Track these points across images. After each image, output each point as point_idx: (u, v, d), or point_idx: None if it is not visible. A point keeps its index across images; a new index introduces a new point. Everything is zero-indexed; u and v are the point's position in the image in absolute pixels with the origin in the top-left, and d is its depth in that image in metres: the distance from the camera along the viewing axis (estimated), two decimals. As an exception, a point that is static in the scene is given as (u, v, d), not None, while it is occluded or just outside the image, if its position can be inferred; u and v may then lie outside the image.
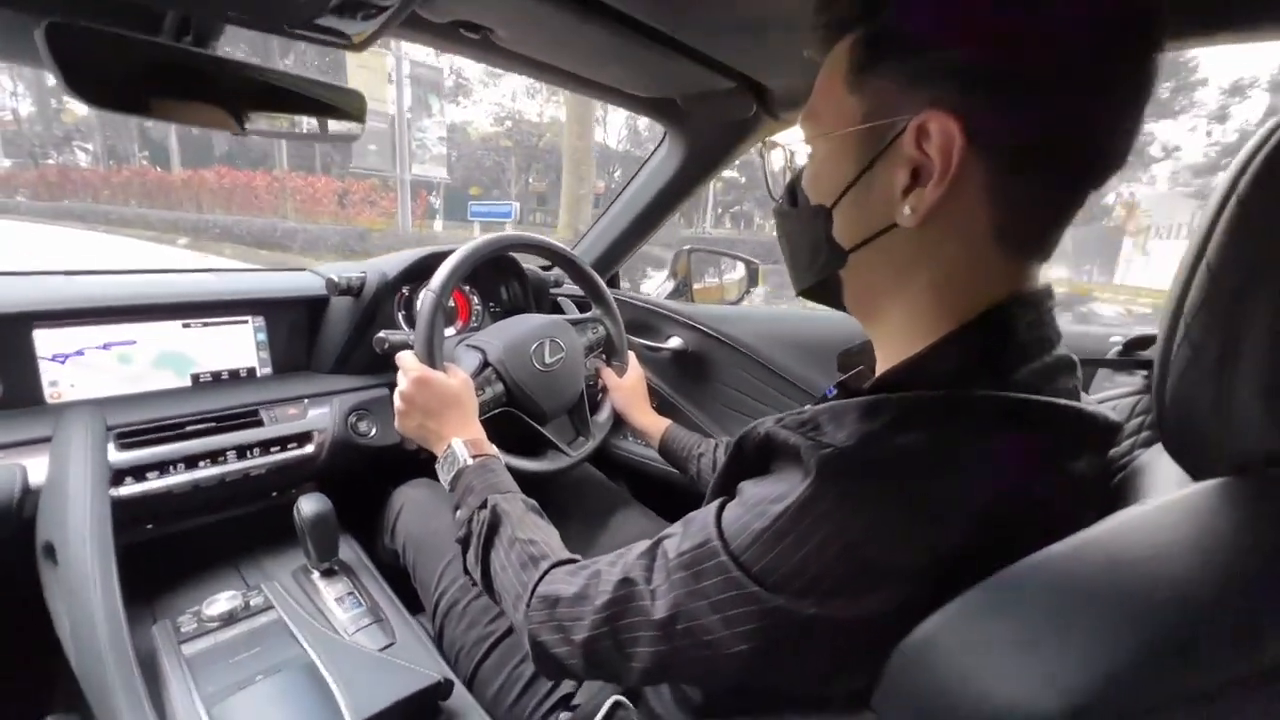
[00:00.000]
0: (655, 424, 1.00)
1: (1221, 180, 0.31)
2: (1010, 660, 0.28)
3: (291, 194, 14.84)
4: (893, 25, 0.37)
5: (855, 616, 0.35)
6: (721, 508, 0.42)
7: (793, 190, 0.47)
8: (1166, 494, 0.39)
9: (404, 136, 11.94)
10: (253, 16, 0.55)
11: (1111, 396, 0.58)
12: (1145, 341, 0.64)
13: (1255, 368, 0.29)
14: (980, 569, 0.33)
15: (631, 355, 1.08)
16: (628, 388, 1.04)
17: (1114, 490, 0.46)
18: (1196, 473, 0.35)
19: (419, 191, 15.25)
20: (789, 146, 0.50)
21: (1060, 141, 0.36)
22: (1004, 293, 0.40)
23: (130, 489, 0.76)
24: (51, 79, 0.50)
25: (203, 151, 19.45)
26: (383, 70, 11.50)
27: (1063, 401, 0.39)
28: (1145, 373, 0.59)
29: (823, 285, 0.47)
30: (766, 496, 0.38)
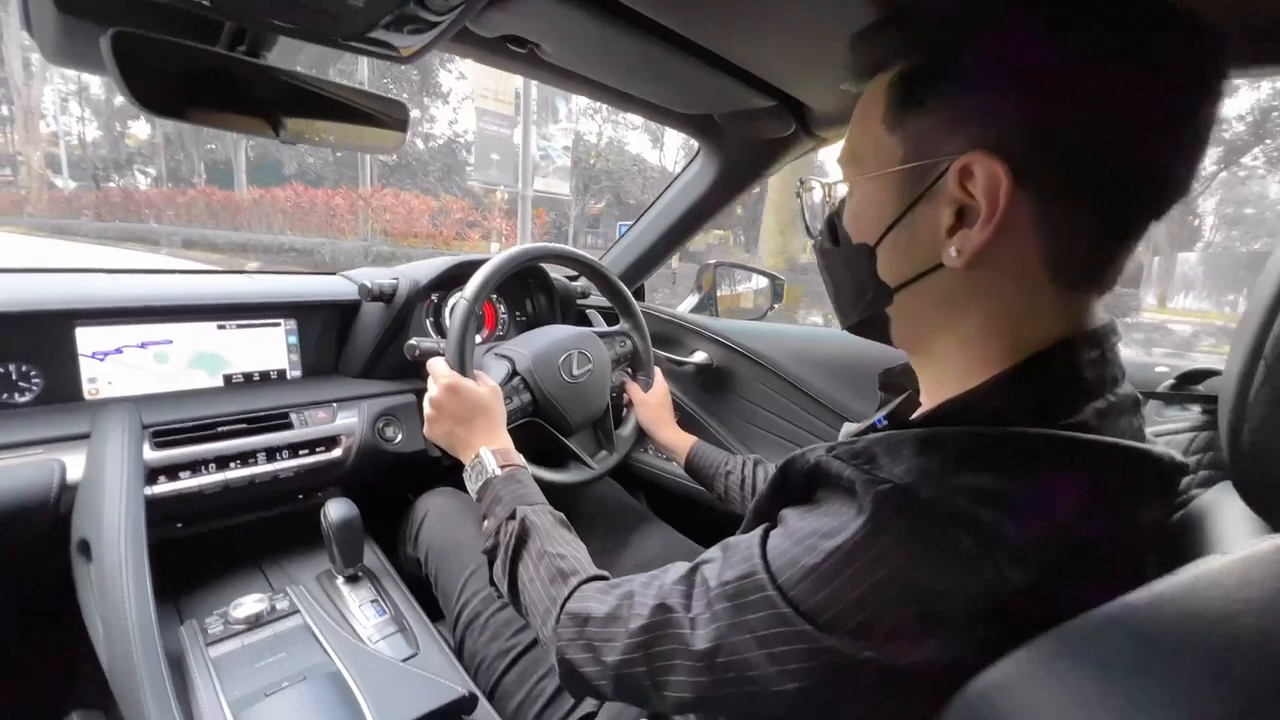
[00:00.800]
0: (681, 440, 0.99)
1: None
2: (1090, 713, 0.27)
3: (378, 212, 12.74)
4: (932, 64, 0.36)
5: (912, 661, 0.33)
6: (765, 535, 0.40)
7: (832, 226, 0.46)
8: (1237, 541, 0.38)
9: (529, 145, 10.11)
10: (308, 29, 0.56)
11: (1166, 431, 0.56)
12: (1199, 375, 0.62)
13: None
14: (1043, 615, 0.31)
15: (657, 371, 1.07)
16: (654, 404, 1.03)
17: (1171, 532, 0.44)
18: (1277, 523, 0.33)
19: (537, 211, 13.01)
20: (825, 182, 0.48)
21: (1115, 173, 0.34)
22: (1063, 329, 0.38)
23: (163, 488, 0.77)
24: (116, 100, 0.51)
25: (270, 170, 18.23)
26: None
27: (1128, 442, 0.37)
28: (1202, 408, 0.57)
29: (869, 322, 0.46)
30: (817, 530, 0.37)
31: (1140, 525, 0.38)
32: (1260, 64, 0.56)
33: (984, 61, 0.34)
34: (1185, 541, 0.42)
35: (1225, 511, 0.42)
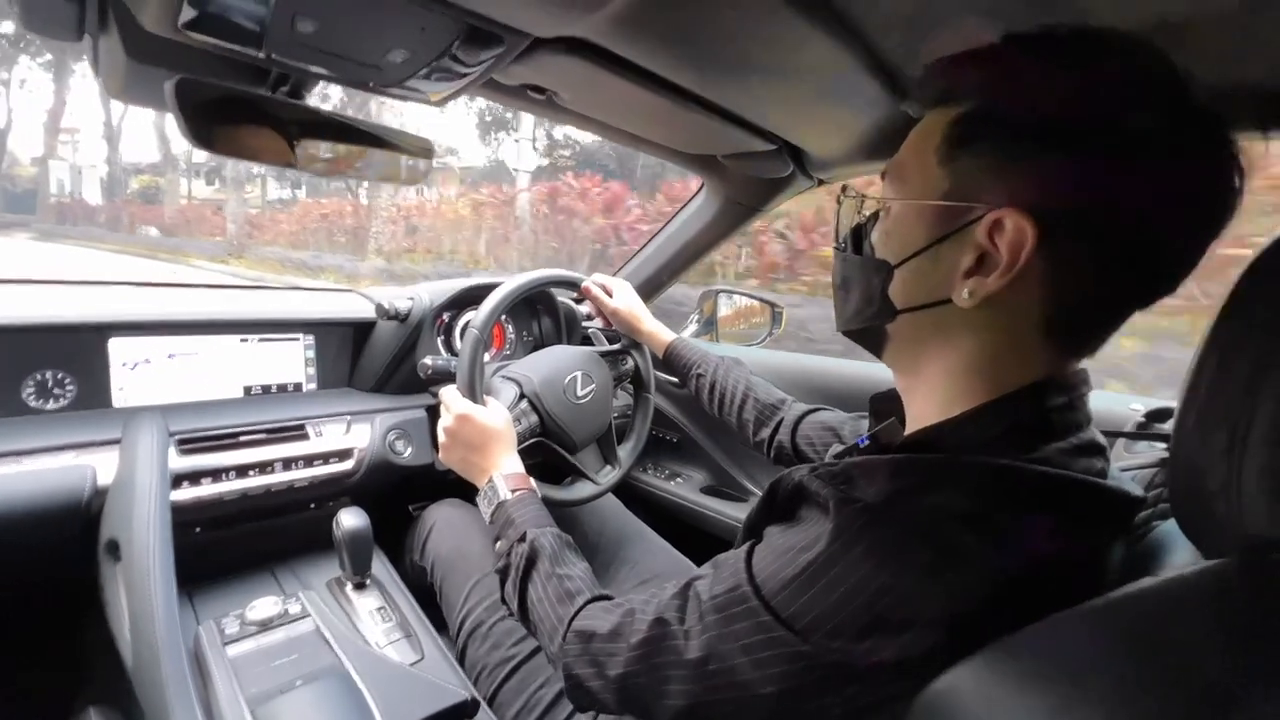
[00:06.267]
0: (662, 333, 1.03)
1: (1240, 271, 0.34)
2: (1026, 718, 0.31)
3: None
4: (995, 112, 0.39)
5: (879, 662, 0.37)
6: (750, 551, 0.44)
7: (857, 237, 0.49)
8: (1181, 568, 0.42)
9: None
10: (351, 78, 0.61)
11: (1130, 467, 0.60)
12: (1166, 413, 0.66)
13: (1263, 456, 0.32)
14: (998, 625, 0.35)
15: (619, 281, 1.06)
16: (624, 310, 1.03)
17: (1130, 559, 0.48)
18: (1205, 550, 0.37)
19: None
20: (867, 196, 0.51)
21: (1132, 255, 0.38)
22: (1041, 375, 0.42)
23: (186, 493, 0.81)
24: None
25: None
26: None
27: (1084, 476, 0.41)
28: (1165, 445, 0.62)
29: (866, 333, 0.49)
30: (795, 545, 0.41)
31: (1093, 551, 0.42)
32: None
33: (1041, 124, 0.37)
34: (1140, 570, 0.46)
35: (1178, 541, 0.46)
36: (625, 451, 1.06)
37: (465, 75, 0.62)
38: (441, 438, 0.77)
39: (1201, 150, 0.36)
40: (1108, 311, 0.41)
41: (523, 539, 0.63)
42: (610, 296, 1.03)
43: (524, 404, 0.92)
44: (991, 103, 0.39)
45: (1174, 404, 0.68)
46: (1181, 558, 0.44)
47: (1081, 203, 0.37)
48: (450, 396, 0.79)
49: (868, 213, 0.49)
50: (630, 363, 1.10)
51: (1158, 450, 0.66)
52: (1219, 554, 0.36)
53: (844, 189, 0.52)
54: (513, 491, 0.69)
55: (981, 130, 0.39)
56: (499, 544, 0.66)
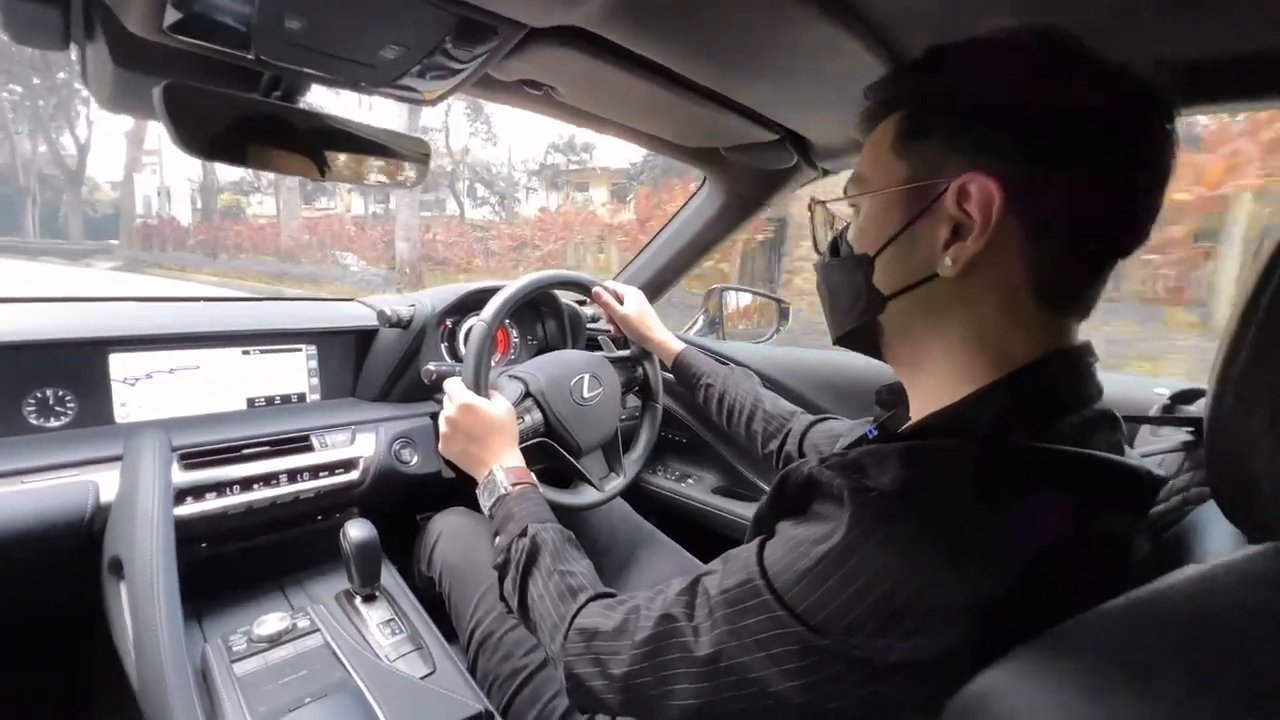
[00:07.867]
0: (671, 343, 1.01)
1: (1276, 236, 0.32)
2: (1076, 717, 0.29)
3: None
4: (938, 104, 0.42)
5: (899, 661, 0.35)
6: (762, 545, 0.43)
7: (835, 246, 0.51)
8: (1222, 554, 0.40)
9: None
10: (343, 78, 0.60)
11: (1158, 451, 0.58)
12: (1192, 395, 0.64)
13: None
14: (1025, 618, 0.33)
15: (630, 288, 1.04)
16: (634, 316, 1.01)
17: (1165, 546, 0.46)
18: (1251, 534, 0.35)
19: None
20: (834, 201, 0.52)
21: (1083, 210, 0.39)
22: (1042, 348, 0.42)
23: (190, 509, 0.80)
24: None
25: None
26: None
27: (1104, 455, 0.39)
28: (1193, 429, 0.59)
29: (860, 332, 0.49)
30: (809, 537, 0.40)
31: (1117, 532, 0.40)
32: (1196, 101, 0.62)
33: (984, 106, 0.39)
34: (1176, 557, 0.44)
35: (1214, 527, 0.44)
36: (631, 460, 1.04)
37: (460, 71, 0.61)
38: (443, 428, 0.76)
39: (1129, 116, 0.38)
40: (1085, 266, 0.42)
41: (523, 533, 0.61)
42: (621, 303, 1.01)
43: (529, 401, 0.90)
44: (932, 100, 0.42)
45: (1199, 385, 0.66)
46: (1219, 544, 0.42)
47: (1034, 177, 0.39)
48: (454, 387, 0.78)
49: (840, 227, 0.51)
50: (639, 370, 1.09)
51: (1184, 434, 0.63)
52: (1265, 537, 0.34)
53: (811, 198, 0.55)
54: (513, 485, 0.67)
55: (929, 121, 0.42)
56: (499, 539, 0.64)
